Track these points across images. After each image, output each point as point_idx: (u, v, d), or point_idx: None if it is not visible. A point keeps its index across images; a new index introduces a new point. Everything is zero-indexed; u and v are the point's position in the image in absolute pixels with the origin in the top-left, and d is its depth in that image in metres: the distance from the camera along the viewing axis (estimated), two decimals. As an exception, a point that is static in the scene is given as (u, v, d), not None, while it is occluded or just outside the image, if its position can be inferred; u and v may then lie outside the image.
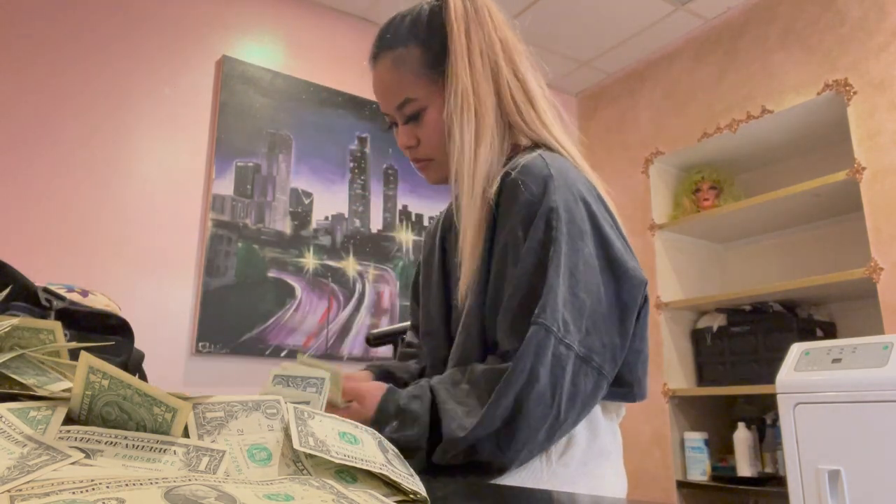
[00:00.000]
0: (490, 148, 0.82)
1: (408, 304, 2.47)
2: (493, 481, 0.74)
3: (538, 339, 0.70)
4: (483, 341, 0.80)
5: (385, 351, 2.27)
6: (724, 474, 2.45)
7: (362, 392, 0.74)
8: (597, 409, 0.82)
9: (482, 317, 0.79)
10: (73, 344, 0.48)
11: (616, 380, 0.80)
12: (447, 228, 0.97)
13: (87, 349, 0.40)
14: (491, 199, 0.79)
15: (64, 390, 0.42)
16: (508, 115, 0.84)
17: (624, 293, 0.78)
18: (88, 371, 0.38)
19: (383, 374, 1.00)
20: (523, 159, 0.79)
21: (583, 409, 0.75)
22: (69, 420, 0.39)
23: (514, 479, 0.75)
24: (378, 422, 0.72)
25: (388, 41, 0.87)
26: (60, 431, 0.37)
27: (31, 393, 0.41)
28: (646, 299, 0.82)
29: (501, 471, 0.75)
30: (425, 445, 0.71)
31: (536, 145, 0.85)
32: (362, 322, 2.43)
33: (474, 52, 0.83)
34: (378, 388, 0.75)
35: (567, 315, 0.72)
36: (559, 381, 0.71)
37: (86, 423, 0.38)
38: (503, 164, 0.83)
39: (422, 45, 0.85)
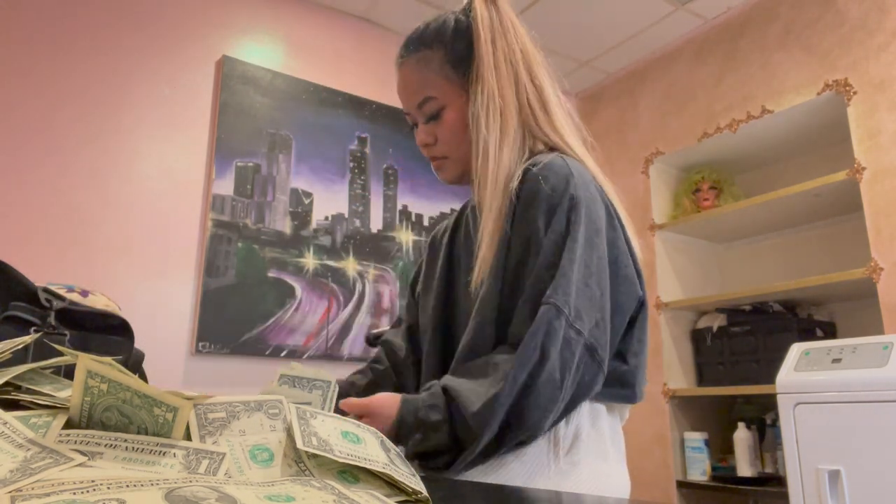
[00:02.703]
0: (512, 149, 0.85)
1: (408, 304, 2.47)
2: (500, 479, 0.74)
3: (549, 318, 0.72)
4: (497, 328, 0.81)
5: (385, 351, 2.27)
6: (724, 474, 2.45)
7: (373, 407, 0.74)
8: (602, 409, 0.82)
9: (498, 305, 0.81)
10: (74, 356, 0.48)
11: (620, 381, 0.81)
12: (456, 229, 1.00)
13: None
14: (512, 193, 0.82)
15: (66, 397, 0.42)
16: (526, 120, 0.88)
17: (620, 295, 0.80)
18: (87, 376, 0.38)
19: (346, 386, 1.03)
20: (544, 158, 0.83)
21: (579, 399, 0.76)
22: (70, 426, 0.39)
23: (521, 475, 0.75)
24: (399, 437, 0.73)
25: (414, 45, 0.93)
26: (60, 435, 0.37)
27: (33, 400, 0.41)
28: (642, 305, 0.84)
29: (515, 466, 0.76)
30: (453, 446, 0.73)
31: (552, 149, 0.88)
32: (362, 322, 2.43)
33: (499, 58, 0.87)
34: (391, 400, 0.75)
35: (579, 303, 0.74)
36: (568, 364, 0.72)
37: (87, 429, 0.38)
38: (523, 164, 0.85)
39: (445, 47, 0.90)
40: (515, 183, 0.82)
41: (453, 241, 0.99)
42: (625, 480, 0.84)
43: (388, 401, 0.75)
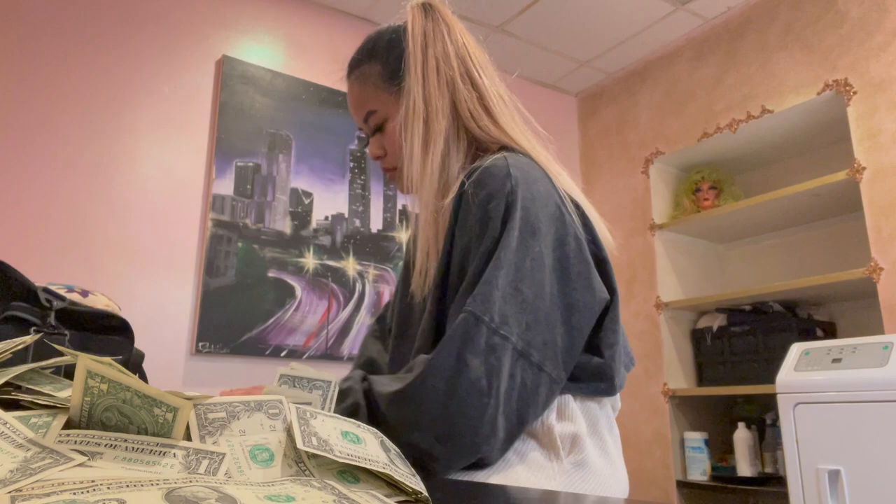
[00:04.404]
0: (441, 155, 0.85)
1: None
2: (505, 482, 0.74)
3: (465, 327, 0.71)
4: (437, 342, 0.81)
5: (385, 351, 2.27)
6: (724, 474, 2.45)
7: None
8: (593, 405, 0.82)
9: (440, 321, 0.81)
10: (71, 357, 0.48)
11: (598, 375, 0.80)
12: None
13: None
14: (449, 205, 0.81)
15: (67, 397, 0.42)
16: (465, 123, 0.87)
17: (572, 293, 0.78)
18: (87, 376, 0.38)
19: (367, 364, 1.03)
20: (485, 162, 0.81)
21: (528, 406, 0.73)
22: (70, 426, 0.39)
23: (525, 479, 0.75)
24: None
25: (355, 60, 0.96)
26: (60, 435, 0.37)
27: (33, 400, 0.41)
28: (611, 297, 0.82)
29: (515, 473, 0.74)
30: (363, 413, 0.73)
31: (503, 148, 0.87)
32: (362, 322, 2.43)
33: (429, 67, 0.88)
34: None
35: (506, 308, 0.72)
36: (494, 370, 0.70)
37: (87, 429, 0.38)
38: (464, 169, 0.85)
39: (381, 61, 0.92)
40: (452, 195, 0.81)
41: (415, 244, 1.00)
42: (625, 475, 0.85)
43: None
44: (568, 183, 0.86)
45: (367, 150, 0.98)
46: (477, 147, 0.89)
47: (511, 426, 0.73)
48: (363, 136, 0.98)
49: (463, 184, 0.81)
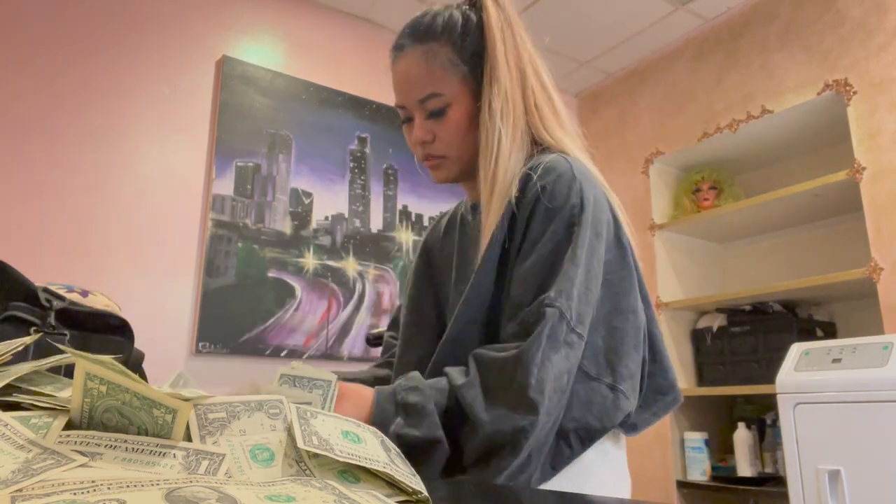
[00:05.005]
0: (520, 150, 0.84)
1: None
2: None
3: (553, 323, 0.70)
4: (482, 327, 0.79)
5: (385, 351, 2.27)
6: (724, 474, 2.45)
7: (345, 389, 0.69)
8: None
9: (489, 305, 0.79)
10: (72, 356, 0.48)
11: (657, 389, 0.81)
12: (449, 231, 0.98)
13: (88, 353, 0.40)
14: (512, 196, 0.80)
15: (67, 398, 0.42)
16: (532, 121, 0.86)
17: (617, 297, 0.79)
18: (86, 378, 0.38)
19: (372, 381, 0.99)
20: (546, 158, 0.81)
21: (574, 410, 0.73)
22: (71, 427, 0.39)
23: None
24: (378, 426, 0.70)
25: (419, 35, 0.87)
26: (60, 436, 0.37)
27: (33, 402, 0.41)
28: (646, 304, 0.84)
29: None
30: (442, 437, 0.68)
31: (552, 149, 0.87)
32: (362, 322, 2.43)
33: (510, 59, 0.85)
34: (366, 389, 0.71)
35: (581, 307, 0.73)
36: (571, 369, 0.71)
37: (87, 430, 0.38)
38: (525, 166, 0.84)
39: (454, 44, 0.86)
40: (516, 186, 0.80)
41: (445, 243, 0.97)
42: (626, 475, 0.84)
43: (362, 388, 0.71)
44: (614, 198, 0.87)
45: (404, 129, 0.92)
46: (535, 146, 0.88)
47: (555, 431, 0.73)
48: (404, 115, 0.91)
49: (525, 181, 0.80)
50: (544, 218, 0.77)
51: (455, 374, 0.73)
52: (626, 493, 0.83)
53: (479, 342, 0.78)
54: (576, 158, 0.83)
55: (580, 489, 0.76)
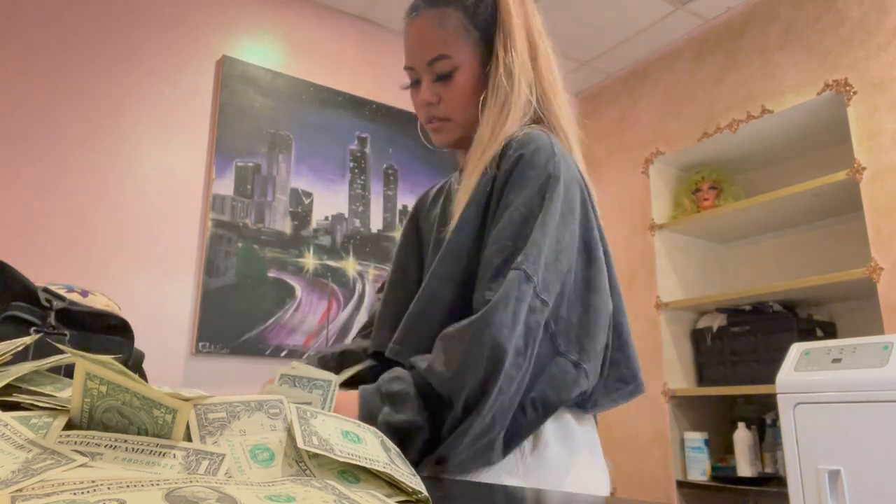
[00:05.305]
0: (517, 120, 0.85)
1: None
2: (458, 477, 0.72)
3: (520, 284, 0.70)
4: (456, 289, 0.79)
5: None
6: (724, 474, 2.45)
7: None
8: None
9: (465, 267, 0.80)
10: (73, 355, 0.48)
11: (619, 377, 0.80)
12: (437, 196, 1.01)
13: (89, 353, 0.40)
14: (493, 161, 0.82)
15: (67, 398, 0.42)
16: (537, 98, 0.88)
17: (593, 274, 0.80)
18: (86, 378, 0.38)
19: (337, 354, 0.99)
20: (529, 130, 0.83)
21: (541, 383, 0.73)
22: (71, 427, 0.39)
23: (488, 474, 0.74)
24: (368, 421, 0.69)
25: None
26: (60, 436, 0.37)
27: (33, 402, 0.41)
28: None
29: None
30: (424, 423, 0.69)
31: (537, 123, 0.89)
32: (362, 322, 2.42)
33: (521, 30, 0.88)
34: (349, 395, 0.71)
35: (548, 275, 0.73)
36: (533, 333, 0.71)
37: (87, 430, 0.38)
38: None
39: (466, 10, 0.88)
40: (495, 151, 0.82)
41: (431, 207, 0.99)
42: (601, 473, 0.82)
43: (345, 397, 0.71)
44: (590, 182, 0.88)
45: (411, 92, 0.93)
46: (532, 122, 0.89)
47: (522, 395, 0.72)
48: (412, 77, 0.92)
49: (510, 145, 0.81)
50: (520, 184, 0.78)
51: (419, 360, 0.74)
52: (603, 476, 0.82)
53: (454, 299, 0.79)
54: (556, 139, 0.85)
55: (555, 468, 0.76)
